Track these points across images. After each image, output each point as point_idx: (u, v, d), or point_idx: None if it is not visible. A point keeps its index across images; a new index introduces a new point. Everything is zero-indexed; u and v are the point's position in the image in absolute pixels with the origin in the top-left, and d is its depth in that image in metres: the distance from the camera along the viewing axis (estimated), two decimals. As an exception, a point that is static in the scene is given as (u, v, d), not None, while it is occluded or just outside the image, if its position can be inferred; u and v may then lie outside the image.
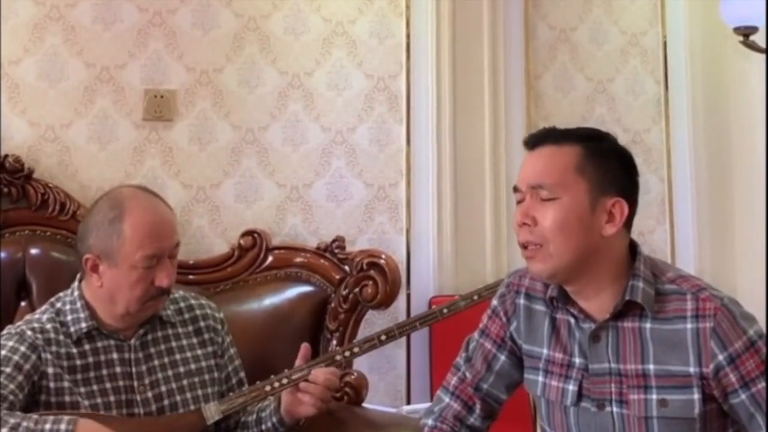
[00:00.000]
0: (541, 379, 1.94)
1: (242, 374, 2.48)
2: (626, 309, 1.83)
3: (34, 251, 2.88)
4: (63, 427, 2.02)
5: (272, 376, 2.33)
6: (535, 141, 1.90)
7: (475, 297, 2.36)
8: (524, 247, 1.85)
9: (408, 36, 3.57)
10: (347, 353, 2.35)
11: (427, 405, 3.04)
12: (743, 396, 1.76)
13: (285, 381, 2.30)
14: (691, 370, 1.78)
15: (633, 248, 1.89)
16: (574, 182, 1.82)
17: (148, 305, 2.26)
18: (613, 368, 1.84)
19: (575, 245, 1.80)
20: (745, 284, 3.56)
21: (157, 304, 2.29)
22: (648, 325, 1.82)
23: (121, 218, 2.21)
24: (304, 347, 2.37)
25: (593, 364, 1.86)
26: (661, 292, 1.83)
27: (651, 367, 1.80)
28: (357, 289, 3.02)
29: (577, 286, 1.86)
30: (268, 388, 2.30)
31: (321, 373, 2.29)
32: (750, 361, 1.76)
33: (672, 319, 1.80)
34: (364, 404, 2.93)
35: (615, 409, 1.84)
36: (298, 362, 2.34)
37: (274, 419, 2.36)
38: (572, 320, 1.90)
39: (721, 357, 1.76)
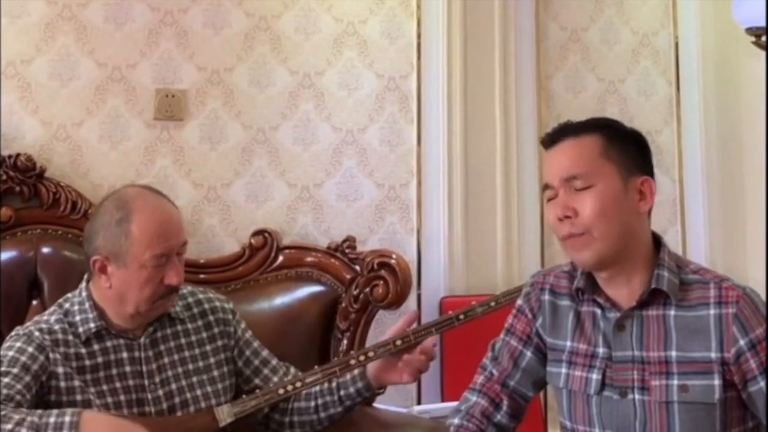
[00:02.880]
0: (564, 370, 1.97)
1: (265, 353, 2.48)
2: (651, 297, 1.88)
3: (45, 250, 2.88)
4: (67, 418, 2.02)
5: (285, 379, 2.34)
6: (553, 138, 1.96)
7: (492, 303, 2.35)
8: (566, 239, 1.89)
9: (419, 36, 3.57)
10: (362, 357, 2.34)
11: (438, 405, 3.08)
12: (762, 383, 1.80)
13: (298, 384, 2.31)
14: (713, 355, 1.81)
15: (656, 240, 1.94)
16: (603, 167, 1.88)
17: (158, 304, 2.26)
18: (636, 356, 1.88)
19: (617, 227, 1.86)
20: (757, 284, 3.53)
21: (167, 302, 2.29)
22: (672, 313, 1.86)
23: (128, 218, 2.22)
24: (411, 313, 2.41)
25: (617, 352, 1.89)
26: (685, 282, 1.88)
27: (673, 353, 1.84)
28: (368, 289, 3.02)
29: (612, 272, 1.90)
30: (281, 391, 2.31)
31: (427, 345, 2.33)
32: None
33: (695, 306, 1.85)
34: (375, 404, 2.92)
35: (637, 396, 1.87)
36: (399, 326, 2.35)
37: (360, 384, 2.37)
38: (598, 311, 1.93)
39: (742, 342, 1.80)
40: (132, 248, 2.20)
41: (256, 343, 2.49)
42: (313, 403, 2.42)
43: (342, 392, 2.39)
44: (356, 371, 2.37)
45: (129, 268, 2.21)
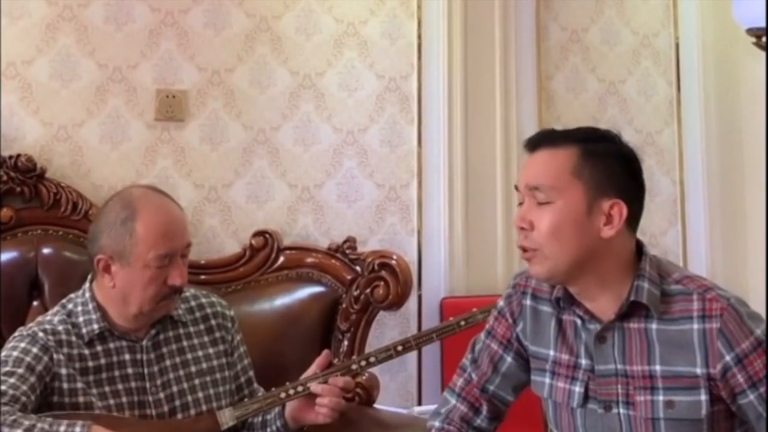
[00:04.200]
0: (548, 380, 1.94)
1: (251, 373, 2.48)
2: (632, 310, 1.82)
3: (46, 251, 2.89)
4: (78, 429, 2.03)
5: (287, 383, 2.33)
6: (533, 144, 1.89)
7: (494, 310, 2.35)
8: (522, 249, 1.86)
9: (419, 36, 3.57)
10: (363, 363, 2.35)
11: (438, 406, 3.07)
12: (752, 396, 1.76)
13: (300, 388, 2.30)
14: (698, 371, 1.77)
15: (639, 248, 1.88)
16: (569, 185, 1.81)
17: (161, 305, 2.26)
18: (620, 369, 1.83)
19: (570, 249, 1.79)
20: (756, 285, 3.54)
21: (170, 303, 2.29)
22: (654, 326, 1.81)
23: (133, 218, 2.22)
24: (324, 355, 2.37)
25: (599, 365, 1.85)
26: (667, 293, 1.82)
27: (657, 368, 1.80)
28: (368, 290, 3.02)
29: (579, 287, 1.86)
30: (283, 395, 2.31)
31: (336, 383, 2.30)
32: (758, 361, 1.75)
33: (678, 320, 1.79)
34: (376, 405, 2.93)
35: (621, 411, 1.83)
36: (312, 369, 2.34)
37: (278, 423, 2.36)
38: (578, 321, 1.89)
39: (728, 357, 1.75)
40: (136, 248, 2.20)
41: (246, 361, 2.48)
42: None
43: (267, 429, 2.39)
44: (277, 409, 2.36)
45: (133, 268, 2.21)
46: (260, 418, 2.40)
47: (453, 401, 2.07)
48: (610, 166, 1.83)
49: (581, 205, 1.80)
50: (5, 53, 3.04)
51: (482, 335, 2.08)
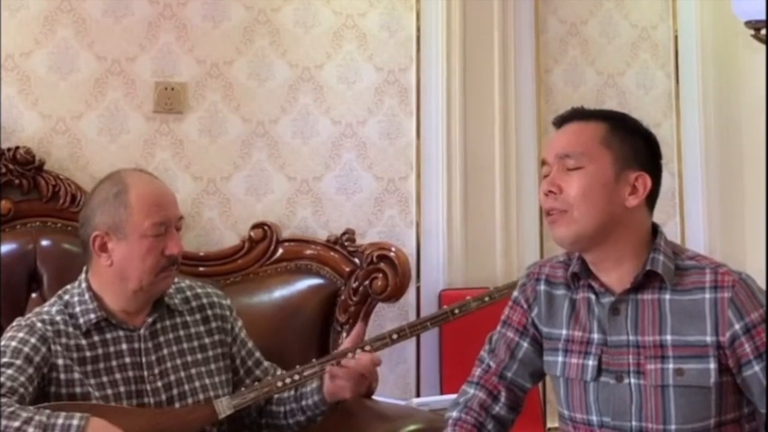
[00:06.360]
0: (560, 359, 1.97)
1: (258, 354, 2.49)
2: (646, 281, 1.88)
3: (45, 243, 2.89)
4: (75, 422, 2.03)
5: (284, 372, 2.35)
6: (562, 119, 1.99)
7: (486, 298, 2.38)
8: (548, 213, 1.92)
9: (418, 29, 3.57)
10: (358, 351, 2.35)
11: (437, 398, 3.08)
12: (756, 368, 1.81)
13: (296, 377, 2.31)
14: (708, 339, 1.82)
15: (654, 230, 1.95)
16: (599, 153, 1.90)
17: (160, 277, 2.27)
18: (632, 340, 1.88)
19: (598, 212, 1.87)
20: (756, 276, 3.54)
21: (168, 277, 2.30)
22: (667, 296, 1.87)
23: (125, 191, 2.25)
24: (359, 327, 2.41)
25: (612, 336, 1.90)
26: (681, 267, 1.89)
27: (668, 337, 1.85)
28: (367, 282, 3.02)
29: (598, 256, 1.92)
30: (279, 383, 2.32)
31: (363, 359, 2.31)
32: (765, 333, 1.81)
33: (691, 290, 1.86)
34: (374, 396, 2.93)
35: (633, 381, 1.87)
36: (346, 344, 2.36)
37: (316, 398, 2.36)
38: (592, 297, 1.94)
39: (737, 326, 1.81)
40: (132, 218, 2.23)
41: (250, 344, 2.49)
42: (282, 409, 2.42)
43: (303, 402, 2.39)
44: (315, 383, 2.36)
45: (129, 240, 2.23)
46: (294, 393, 2.39)
47: (472, 391, 2.09)
48: (635, 141, 1.93)
49: (610, 173, 1.89)
50: (4, 45, 3.04)
51: (498, 327, 2.13)
